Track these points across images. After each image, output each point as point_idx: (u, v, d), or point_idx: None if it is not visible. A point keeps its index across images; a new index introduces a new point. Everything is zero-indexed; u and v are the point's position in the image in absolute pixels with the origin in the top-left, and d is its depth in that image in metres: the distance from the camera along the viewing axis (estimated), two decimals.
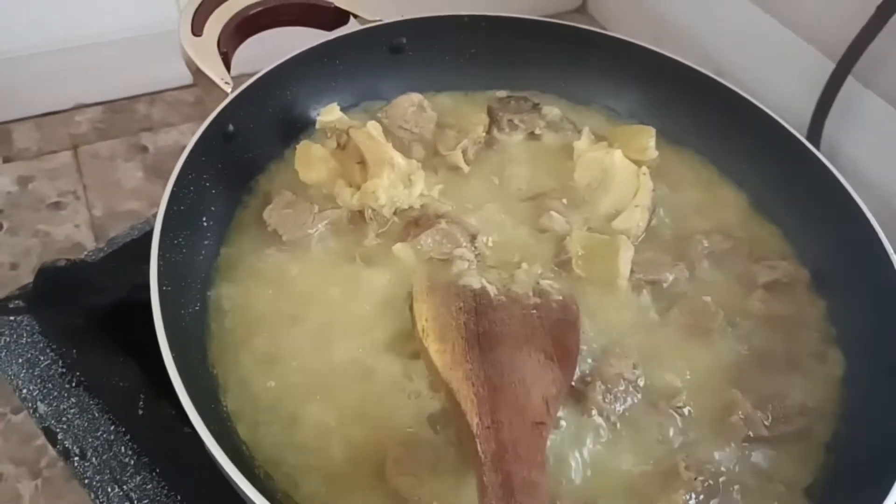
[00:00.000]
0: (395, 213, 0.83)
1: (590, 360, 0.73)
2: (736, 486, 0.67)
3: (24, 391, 0.79)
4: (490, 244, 0.82)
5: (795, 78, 1.25)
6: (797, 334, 0.78)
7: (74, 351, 0.80)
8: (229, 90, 0.83)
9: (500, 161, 0.92)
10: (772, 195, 0.89)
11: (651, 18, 1.58)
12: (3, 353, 0.81)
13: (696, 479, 0.65)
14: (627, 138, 0.90)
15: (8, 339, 0.82)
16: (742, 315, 0.79)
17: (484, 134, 0.93)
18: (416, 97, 0.93)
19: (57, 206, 1.30)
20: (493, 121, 0.95)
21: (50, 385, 0.79)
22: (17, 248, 1.24)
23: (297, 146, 0.84)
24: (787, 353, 0.76)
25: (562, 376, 0.69)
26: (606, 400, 0.70)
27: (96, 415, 0.77)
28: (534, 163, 0.92)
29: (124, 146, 1.40)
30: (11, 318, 0.83)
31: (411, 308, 0.75)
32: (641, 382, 0.72)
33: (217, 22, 0.88)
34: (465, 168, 0.89)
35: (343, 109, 0.86)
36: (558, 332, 0.73)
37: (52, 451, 0.81)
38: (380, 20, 0.95)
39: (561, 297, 0.77)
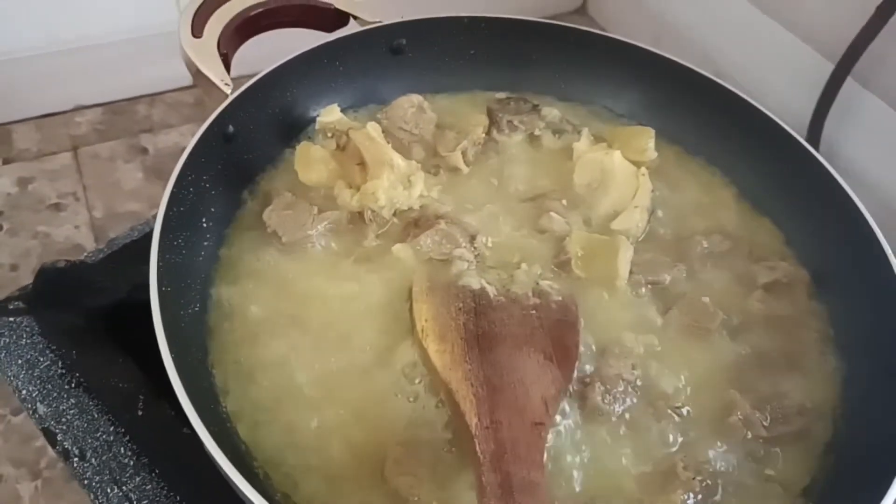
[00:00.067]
0: (394, 214, 0.83)
1: (589, 361, 0.73)
2: (734, 487, 0.67)
3: (24, 392, 0.79)
4: (489, 245, 0.82)
5: (795, 79, 1.25)
6: (796, 335, 0.78)
7: (74, 352, 0.80)
8: (229, 91, 0.83)
9: (499, 162, 0.92)
10: (771, 196, 0.89)
11: (651, 19, 1.58)
12: (3, 354, 0.81)
13: (694, 479, 0.65)
14: (627, 139, 0.90)
15: (8, 340, 0.82)
16: (741, 315, 0.78)
17: (483, 135, 0.93)
18: (415, 98, 0.93)
19: (57, 207, 1.30)
20: (493, 122, 0.95)
21: (49, 386, 0.79)
22: (18, 250, 1.24)
23: (297, 147, 0.84)
24: (786, 353, 0.76)
25: (561, 377, 0.69)
26: (605, 400, 0.70)
27: (96, 415, 0.77)
28: (533, 164, 0.92)
29: (124, 147, 1.40)
30: (11, 319, 0.83)
31: (411, 308, 0.75)
32: (640, 383, 0.72)
33: (217, 23, 0.88)
34: (465, 169, 0.90)
35: (343, 110, 0.86)
36: (558, 332, 0.73)
37: (51, 452, 0.82)
38: (380, 21, 0.95)
39: (560, 298, 0.77)
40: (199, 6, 0.89)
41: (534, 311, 0.75)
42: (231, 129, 0.83)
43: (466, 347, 0.69)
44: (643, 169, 0.86)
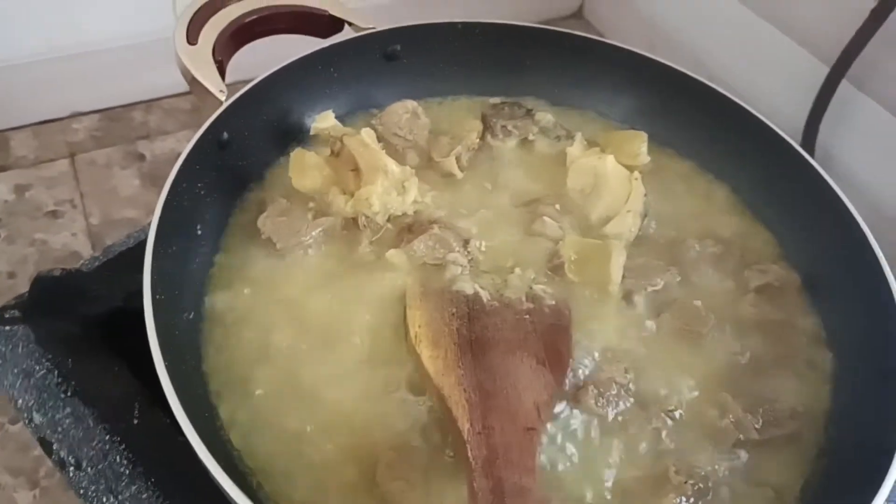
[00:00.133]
0: (388, 220, 0.83)
1: (582, 365, 0.73)
2: (726, 490, 0.67)
3: (20, 401, 0.79)
4: (483, 249, 0.82)
5: (790, 82, 1.26)
6: (788, 338, 0.78)
7: (70, 360, 0.81)
8: (224, 98, 0.83)
9: (493, 167, 0.92)
10: (764, 200, 0.90)
11: (647, 23, 1.59)
12: None
13: (686, 482, 0.65)
14: (620, 144, 0.90)
15: (3, 350, 0.82)
16: (733, 319, 0.79)
17: (478, 140, 0.93)
18: (410, 104, 0.93)
19: (54, 214, 1.30)
20: (487, 127, 0.95)
21: (45, 395, 0.79)
22: (15, 257, 1.24)
23: (292, 154, 0.85)
24: (778, 356, 0.76)
25: (553, 381, 0.69)
26: (599, 404, 0.70)
27: (91, 424, 0.77)
28: (527, 168, 0.92)
29: (121, 154, 1.40)
30: (7, 328, 0.83)
31: (405, 314, 0.75)
32: (633, 387, 0.72)
33: (212, 30, 0.89)
34: (459, 174, 0.90)
35: (338, 117, 0.86)
36: (551, 337, 0.73)
37: (50, 461, 0.82)
38: (374, 28, 0.95)
39: (554, 303, 0.77)
40: (195, 14, 0.89)
41: (527, 316, 0.75)
42: (225, 136, 0.83)
43: (459, 353, 0.70)
44: (636, 173, 0.86)
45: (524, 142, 0.95)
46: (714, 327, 0.77)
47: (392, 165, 0.82)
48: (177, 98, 1.50)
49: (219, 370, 0.72)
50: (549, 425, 0.68)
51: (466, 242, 0.82)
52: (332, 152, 0.85)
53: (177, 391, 0.61)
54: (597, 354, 0.74)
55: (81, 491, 0.74)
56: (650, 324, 0.78)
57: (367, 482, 0.65)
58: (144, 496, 0.73)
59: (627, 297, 0.79)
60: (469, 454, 0.60)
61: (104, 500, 0.73)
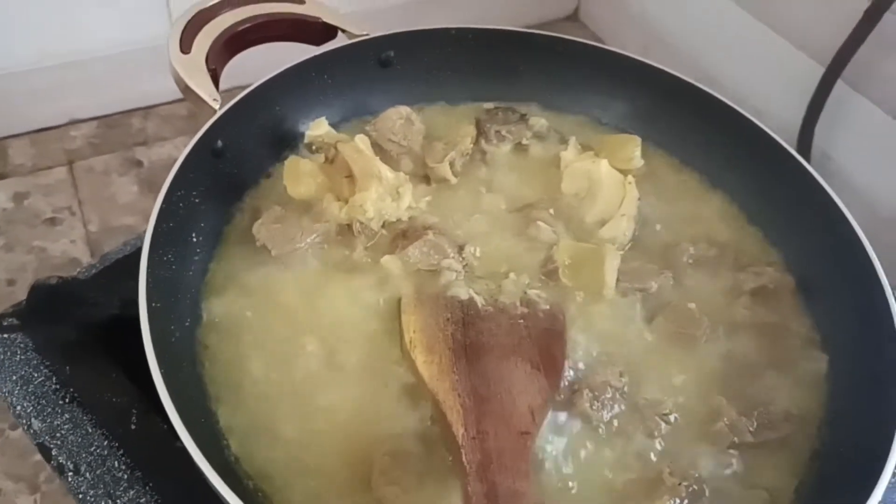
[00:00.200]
0: (383, 226, 0.83)
1: (576, 369, 0.74)
2: (720, 493, 0.67)
3: (19, 408, 0.80)
4: (478, 255, 0.83)
5: (785, 83, 1.26)
6: (782, 341, 0.78)
7: (68, 367, 0.81)
8: (217, 107, 0.84)
9: (487, 172, 0.93)
10: (757, 202, 0.90)
11: (642, 24, 1.59)
12: None
13: (680, 484, 0.66)
14: (613, 148, 0.91)
15: (2, 357, 0.82)
16: (727, 322, 0.79)
17: (472, 145, 0.93)
18: (404, 110, 0.93)
19: (52, 221, 1.31)
20: (481, 132, 0.95)
21: (44, 401, 0.80)
22: (14, 265, 1.25)
23: (286, 161, 0.85)
24: (773, 359, 0.77)
25: (548, 386, 0.69)
26: (594, 407, 0.71)
27: (90, 430, 0.78)
28: (521, 173, 0.93)
29: (119, 161, 1.41)
30: (6, 335, 0.83)
31: (399, 320, 0.75)
32: (628, 390, 0.72)
33: (206, 39, 0.89)
34: (453, 180, 0.90)
35: (332, 123, 0.87)
36: (545, 341, 0.74)
37: (49, 467, 0.82)
38: (367, 34, 0.96)
39: (548, 307, 0.77)
40: (188, 22, 0.90)
41: (521, 321, 0.75)
42: (220, 144, 0.84)
43: (454, 358, 0.70)
44: (630, 177, 0.87)
45: (518, 147, 0.95)
46: (708, 330, 0.78)
47: (386, 171, 0.83)
48: (174, 105, 1.51)
49: (216, 376, 0.73)
50: (543, 429, 0.68)
51: (461, 248, 0.82)
52: (327, 159, 0.86)
53: (172, 397, 0.61)
54: (591, 358, 0.75)
55: (80, 496, 0.74)
56: (645, 327, 0.78)
57: (363, 487, 0.65)
58: (143, 501, 0.73)
59: (622, 300, 0.80)
60: (463, 458, 0.60)
61: None
